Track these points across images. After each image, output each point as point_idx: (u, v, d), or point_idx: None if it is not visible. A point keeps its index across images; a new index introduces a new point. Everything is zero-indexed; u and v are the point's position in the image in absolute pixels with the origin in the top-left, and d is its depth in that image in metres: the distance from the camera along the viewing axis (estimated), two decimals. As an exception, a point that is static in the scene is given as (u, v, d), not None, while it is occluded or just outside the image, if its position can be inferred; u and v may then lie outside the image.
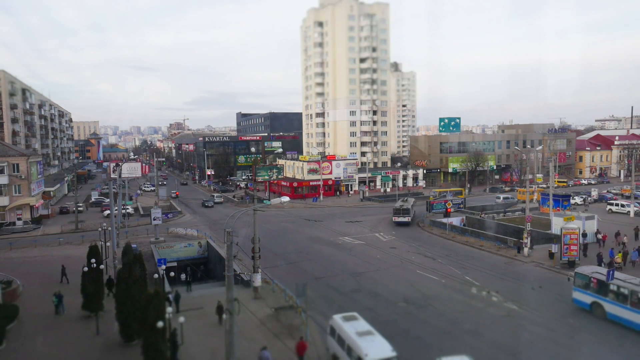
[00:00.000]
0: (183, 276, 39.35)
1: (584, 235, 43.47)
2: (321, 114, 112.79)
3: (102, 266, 29.50)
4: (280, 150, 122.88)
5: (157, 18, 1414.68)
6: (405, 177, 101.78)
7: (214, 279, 43.00)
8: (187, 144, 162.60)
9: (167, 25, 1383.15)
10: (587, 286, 27.86)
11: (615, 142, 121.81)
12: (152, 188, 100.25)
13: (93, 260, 27.94)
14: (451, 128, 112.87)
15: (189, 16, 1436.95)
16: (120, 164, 62.23)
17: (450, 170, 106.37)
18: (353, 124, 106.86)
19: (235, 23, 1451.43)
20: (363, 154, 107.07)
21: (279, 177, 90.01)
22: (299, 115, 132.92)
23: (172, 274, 41.27)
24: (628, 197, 67.70)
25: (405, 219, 59.10)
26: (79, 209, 68.08)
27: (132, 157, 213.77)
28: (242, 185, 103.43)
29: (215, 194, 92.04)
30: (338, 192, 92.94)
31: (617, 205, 63.81)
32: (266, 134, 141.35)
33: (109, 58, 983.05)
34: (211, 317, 27.36)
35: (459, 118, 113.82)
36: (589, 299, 27.66)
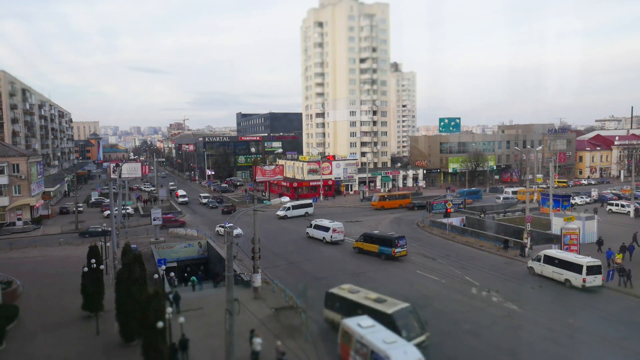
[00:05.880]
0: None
1: None
2: (321, 114, 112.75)
3: (102, 266, 29.51)
4: (280, 150, 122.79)
5: (166, 23, 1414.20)
6: (405, 178, 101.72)
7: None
8: (187, 144, 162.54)
9: (175, 29, 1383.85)
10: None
11: (615, 142, 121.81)
12: (152, 188, 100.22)
13: (93, 261, 27.96)
14: (451, 128, 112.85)
15: (194, 20, 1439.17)
16: (120, 164, 62.31)
17: (450, 170, 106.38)
18: (353, 124, 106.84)
19: (237, 26, 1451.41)
20: (363, 154, 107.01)
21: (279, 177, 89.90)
22: (299, 116, 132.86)
23: (171, 274, 41.21)
24: (627, 198, 67.66)
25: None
26: (79, 209, 68.03)
27: (132, 157, 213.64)
28: (244, 189, 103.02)
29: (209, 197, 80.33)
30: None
31: (617, 205, 63.84)
32: (266, 134, 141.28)
33: (116, 60, 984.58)
34: (211, 317, 27.37)
35: (459, 118, 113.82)
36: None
